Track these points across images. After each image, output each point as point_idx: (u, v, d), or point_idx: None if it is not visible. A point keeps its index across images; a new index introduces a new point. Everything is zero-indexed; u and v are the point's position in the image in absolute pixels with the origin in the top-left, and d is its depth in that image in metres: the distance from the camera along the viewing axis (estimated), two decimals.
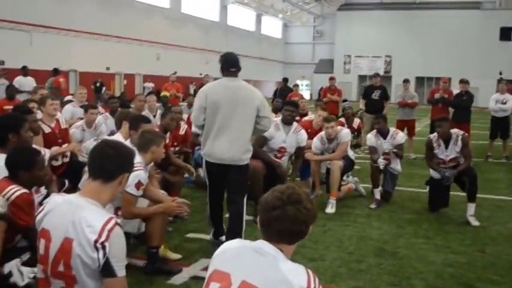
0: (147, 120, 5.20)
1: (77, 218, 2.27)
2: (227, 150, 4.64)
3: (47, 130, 5.98)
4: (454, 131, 6.50)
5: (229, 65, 4.76)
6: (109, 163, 2.45)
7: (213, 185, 4.95)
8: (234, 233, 4.61)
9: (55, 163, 5.87)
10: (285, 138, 6.50)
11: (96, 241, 2.22)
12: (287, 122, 6.55)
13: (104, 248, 2.22)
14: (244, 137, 4.72)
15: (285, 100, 9.74)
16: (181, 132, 7.12)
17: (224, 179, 4.83)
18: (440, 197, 6.58)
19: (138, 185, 4.11)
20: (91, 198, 2.39)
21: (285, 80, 16.31)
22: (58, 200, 2.46)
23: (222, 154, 4.66)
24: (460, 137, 6.37)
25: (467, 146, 6.42)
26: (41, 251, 2.38)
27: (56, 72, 15.88)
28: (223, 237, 4.90)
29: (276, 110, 9.44)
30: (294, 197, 1.99)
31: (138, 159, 4.15)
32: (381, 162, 6.89)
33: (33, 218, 2.58)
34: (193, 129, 7.18)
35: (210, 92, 4.74)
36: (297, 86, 15.71)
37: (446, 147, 6.42)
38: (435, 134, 6.61)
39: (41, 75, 16.40)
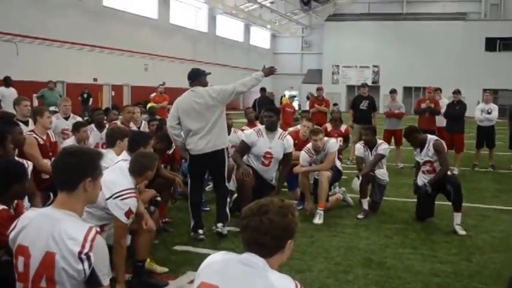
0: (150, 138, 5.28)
1: (57, 231, 2.23)
2: (206, 142, 5.68)
3: (41, 142, 5.91)
4: (431, 137, 6.74)
5: (188, 79, 5.91)
6: (68, 172, 2.36)
7: (195, 178, 5.92)
8: (221, 207, 5.91)
9: (44, 176, 5.80)
10: (270, 144, 6.58)
11: (80, 252, 2.19)
12: (269, 128, 6.66)
13: (88, 258, 2.20)
14: (216, 128, 5.71)
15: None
16: (169, 151, 7.01)
17: (204, 171, 6.06)
18: (426, 206, 6.62)
19: (129, 213, 4.02)
20: (65, 209, 2.33)
21: (263, 89, 14.57)
22: (31, 215, 2.41)
23: (203, 146, 5.68)
24: (431, 143, 6.55)
25: (441, 153, 6.52)
26: (20, 268, 2.32)
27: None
28: (201, 231, 5.75)
29: (251, 121, 9.30)
30: (263, 208, 1.99)
31: (130, 183, 4.12)
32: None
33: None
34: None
35: (180, 102, 5.83)
36: (293, 97, 14.98)
37: (421, 151, 6.65)
38: None
39: (28, 86, 16.25)
